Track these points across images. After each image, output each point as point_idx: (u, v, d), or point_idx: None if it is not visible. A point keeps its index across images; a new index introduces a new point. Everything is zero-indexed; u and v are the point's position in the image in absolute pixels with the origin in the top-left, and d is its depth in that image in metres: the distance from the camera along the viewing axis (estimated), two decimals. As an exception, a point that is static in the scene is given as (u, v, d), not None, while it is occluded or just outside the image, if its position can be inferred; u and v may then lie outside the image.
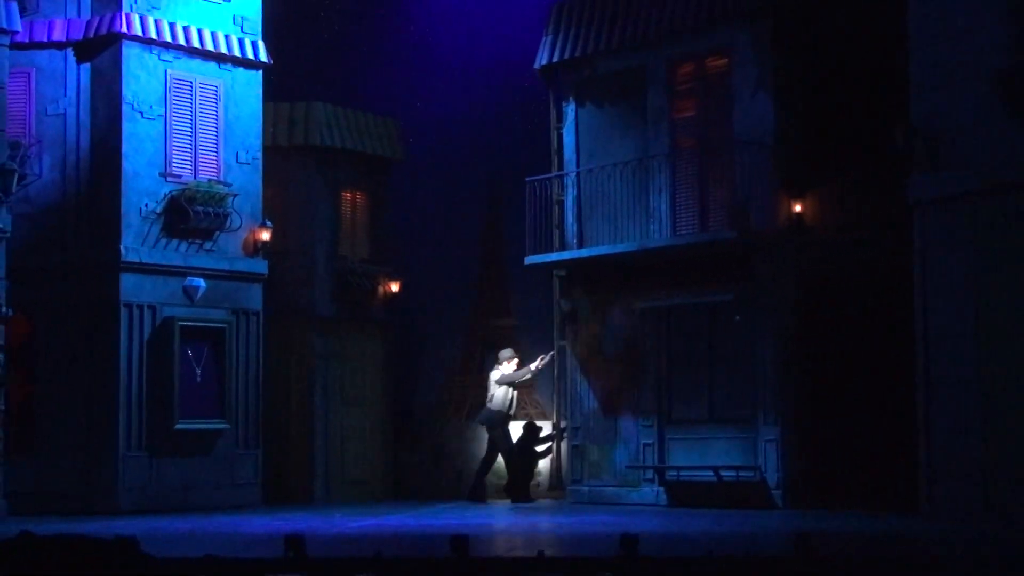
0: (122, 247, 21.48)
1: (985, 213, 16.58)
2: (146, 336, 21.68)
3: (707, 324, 20.66)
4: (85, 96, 21.87)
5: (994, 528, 15.37)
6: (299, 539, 9.80)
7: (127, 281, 21.56)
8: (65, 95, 21.86)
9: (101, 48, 21.88)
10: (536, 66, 22.73)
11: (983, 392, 16.44)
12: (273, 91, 24.11)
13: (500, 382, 22.52)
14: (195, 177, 22.31)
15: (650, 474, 21.06)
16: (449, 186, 28.04)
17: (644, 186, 21.23)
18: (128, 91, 21.73)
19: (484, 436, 23.84)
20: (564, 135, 22.57)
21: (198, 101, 22.50)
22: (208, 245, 22.53)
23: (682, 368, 20.90)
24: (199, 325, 22.18)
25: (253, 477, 22.74)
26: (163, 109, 22.06)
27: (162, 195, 22.00)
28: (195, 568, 9.79)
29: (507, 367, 22.62)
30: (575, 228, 22.13)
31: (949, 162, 16.93)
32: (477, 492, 22.87)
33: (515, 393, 22.79)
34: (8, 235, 20.23)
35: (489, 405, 22.69)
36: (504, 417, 22.68)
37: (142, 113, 21.84)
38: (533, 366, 22.56)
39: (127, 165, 21.64)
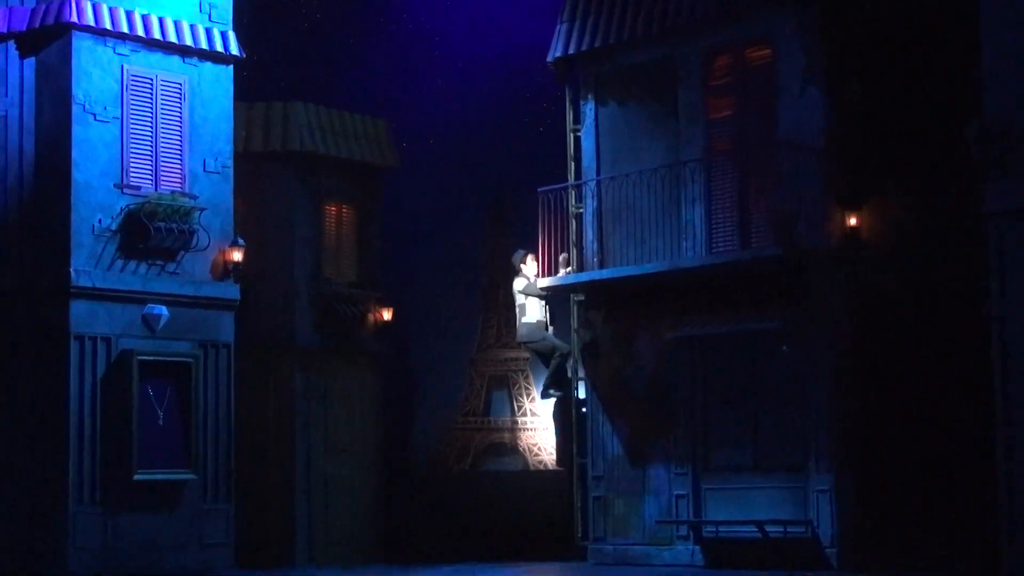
0: (72, 270, 21.41)
1: (1072, 225, 16.49)
2: (100, 372, 21.60)
3: (749, 356, 20.54)
4: (30, 95, 21.84)
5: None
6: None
7: (78, 309, 21.49)
8: (6, 95, 21.81)
9: (48, 40, 21.84)
10: (549, 59, 22.69)
11: (1072, 432, 16.34)
12: (246, 89, 24.12)
13: (527, 292, 22.41)
14: (156, 189, 22.26)
15: (684, 530, 20.94)
16: (449, 197, 28.08)
17: (675, 197, 21.16)
18: (79, 90, 21.69)
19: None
20: (582, 138, 22.53)
21: (159, 101, 22.45)
22: (171, 267, 22.46)
23: (720, 407, 20.78)
24: (161, 360, 22.09)
25: (224, 536, 22.60)
26: (119, 110, 22.03)
27: (118, 209, 21.96)
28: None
29: (527, 269, 22.47)
30: (595, 246, 22.06)
31: (1028, 167, 16.87)
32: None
33: (547, 304, 22.58)
34: (-60, 256, 20.25)
35: (524, 319, 22.50)
36: (543, 328, 22.50)
37: (95, 115, 21.81)
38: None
39: (78, 175, 21.60)
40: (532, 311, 22.34)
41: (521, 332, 22.75)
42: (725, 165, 20.94)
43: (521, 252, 22.65)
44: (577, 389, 22.50)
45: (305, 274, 25.59)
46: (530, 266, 22.38)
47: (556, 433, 23.05)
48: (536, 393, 23.49)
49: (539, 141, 25.22)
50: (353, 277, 26.39)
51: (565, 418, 22.71)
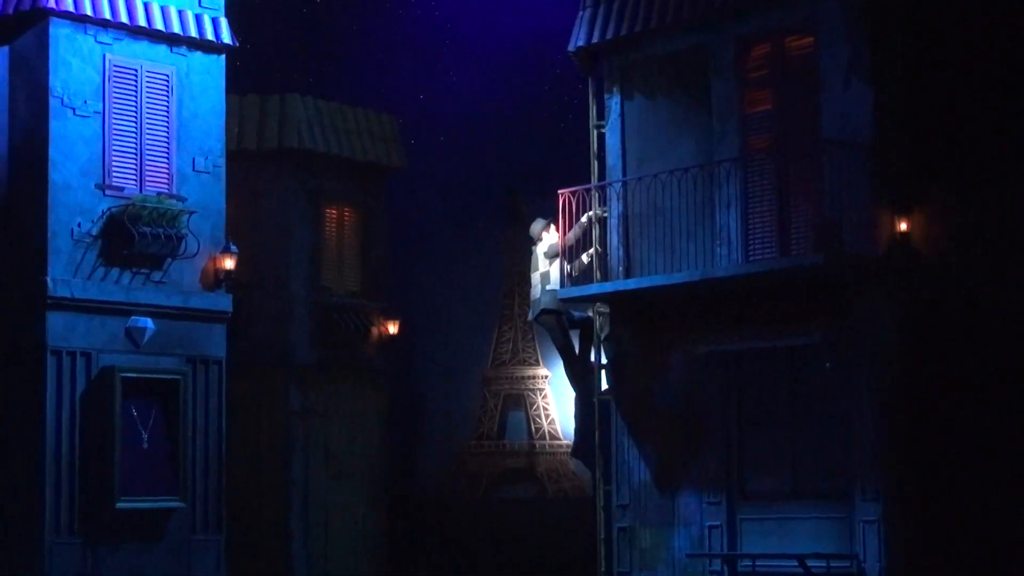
0: (49, 279, 21.42)
1: None
2: (79, 390, 21.59)
3: (789, 374, 20.46)
4: (3, 88, 21.86)
5: None
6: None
7: (55, 321, 21.49)
8: (-23, 87, 21.89)
9: (23, 27, 21.86)
10: (571, 48, 22.63)
11: None
12: (240, 81, 24.10)
13: (550, 255, 22.31)
14: (141, 190, 22.27)
15: (717, 565, 20.83)
16: (460, 200, 28.09)
17: (708, 199, 21.09)
18: (57, 82, 21.69)
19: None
20: (607, 135, 22.48)
21: (144, 94, 22.48)
22: (157, 276, 22.46)
23: (757, 430, 20.71)
24: (146, 377, 22.10)
25: (215, 569, 22.59)
26: (101, 104, 22.06)
27: (99, 213, 21.97)
28: None
29: (549, 238, 22.40)
30: (621, 253, 22.00)
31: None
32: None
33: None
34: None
35: (547, 287, 22.40)
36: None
37: (75, 109, 21.83)
38: (583, 218, 22.22)
39: (55, 175, 21.60)
40: (556, 279, 22.23)
41: (544, 300, 22.36)
42: (763, 165, 20.82)
43: (542, 221, 22.61)
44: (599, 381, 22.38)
45: (303, 283, 25.59)
46: (552, 235, 22.36)
47: (575, 417, 22.87)
48: (556, 416, 23.37)
49: (559, 138, 25.19)
50: (355, 286, 26.40)
51: (586, 409, 22.53)
